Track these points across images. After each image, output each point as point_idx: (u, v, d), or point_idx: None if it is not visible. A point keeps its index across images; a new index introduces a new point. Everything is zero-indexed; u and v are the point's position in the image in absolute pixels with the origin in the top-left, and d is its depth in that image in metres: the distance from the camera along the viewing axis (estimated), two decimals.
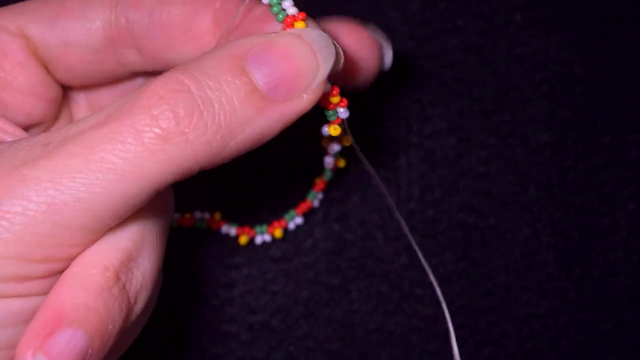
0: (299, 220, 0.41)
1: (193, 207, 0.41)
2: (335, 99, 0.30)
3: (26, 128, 0.33)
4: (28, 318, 0.26)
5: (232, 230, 0.41)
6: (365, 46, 0.31)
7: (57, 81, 0.33)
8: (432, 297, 0.42)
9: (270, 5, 0.28)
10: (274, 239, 0.41)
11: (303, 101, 0.28)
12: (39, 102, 0.32)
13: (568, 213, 0.42)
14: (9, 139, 0.30)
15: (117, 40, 0.32)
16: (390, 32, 0.42)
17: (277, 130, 0.28)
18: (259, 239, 0.41)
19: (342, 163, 0.37)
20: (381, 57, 0.32)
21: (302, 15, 0.28)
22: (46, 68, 0.32)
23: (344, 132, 0.31)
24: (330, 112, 0.30)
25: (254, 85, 0.27)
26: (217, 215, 0.41)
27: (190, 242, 0.41)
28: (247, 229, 0.41)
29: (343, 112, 0.30)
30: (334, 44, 0.28)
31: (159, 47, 0.32)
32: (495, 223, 0.42)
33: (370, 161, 0.42)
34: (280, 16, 0.28)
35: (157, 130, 0.25)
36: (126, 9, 0.31)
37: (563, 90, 0.43)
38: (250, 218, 0.41)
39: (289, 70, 0.27)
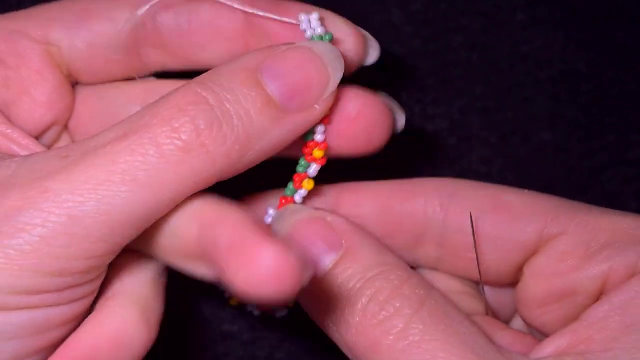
0: None
1: None
2: (318, 153, 0.31)
3: (38, 135, 0.33)
4: (35, 331, 0.26)
5: None
6: (378, 112, 0.31)
7: (80, 82, 0.33)
8: None
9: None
10: None
11: (315, 112, 0.28)
12: (50, 113, 0.32)
13: None
14: (22, 152, 0.30)
15: (143, 41, 0.32)
16: (394, 30, 0.42)
17: (291, 140, 0.28)
18: None
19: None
20: (394, 121, 0.32)
21: None
22: (66, 76, 0.33)
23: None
24: (303, 162, 0.31)
25: (269, 97, 0.27)
26: None
27: None
28: None
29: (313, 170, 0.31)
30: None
31: (189, 47, 0.32)
32: None
33: (371, 161, 0.42)
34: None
35: (178, 143, 0.26)
36: (153, 10, 0.31)
37: (567, 89, 0.43)
38: None
39: (302, 81, 0.28)
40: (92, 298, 0.28)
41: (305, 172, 0.31)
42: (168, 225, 0.27)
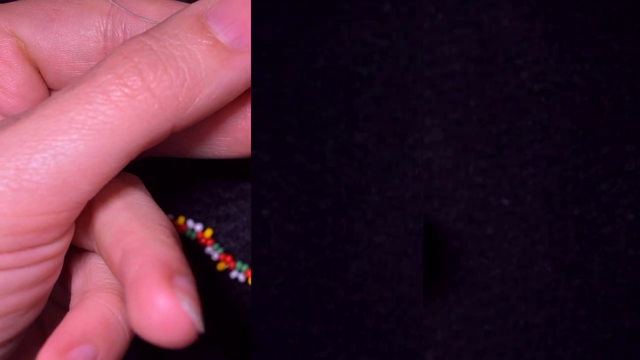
0: None
1: (190, 214, 0.41)
2: None
3: None
4: None
5: (215, 255, 0.41)
6: None
7: (46, 84, 0.33)
8: (427, 304, 0.42)
9: None
10: None
11: None
12: (23, 103, 0.32)
13: (567, 223, 0.42)
14: None
15: (110, 50, 0.31)
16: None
17: (245, 82, 0.28)
18: (233, 274, 0.41)
19: None
20: None
21: None
22: (36, 69, 0.32)
23: None
24: None
25: (215, 39, 0.27)
26: (208, 233, 0.41)
27: (184, 246, 0.41)
28: (228, 258, 0.41)
29: None
30: None
31: None
32: (492, 233, 0.42)
33: (367, 171, 0.42)
34: None
35: (124, 89, 0.26)
36: (124, 20, 0.31)
37: (562, 101, 0.43)
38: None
39: (249, 20, 0.27)
40: (56, 262, 0.27)
41: None
42: (100, 242, 0.28)
